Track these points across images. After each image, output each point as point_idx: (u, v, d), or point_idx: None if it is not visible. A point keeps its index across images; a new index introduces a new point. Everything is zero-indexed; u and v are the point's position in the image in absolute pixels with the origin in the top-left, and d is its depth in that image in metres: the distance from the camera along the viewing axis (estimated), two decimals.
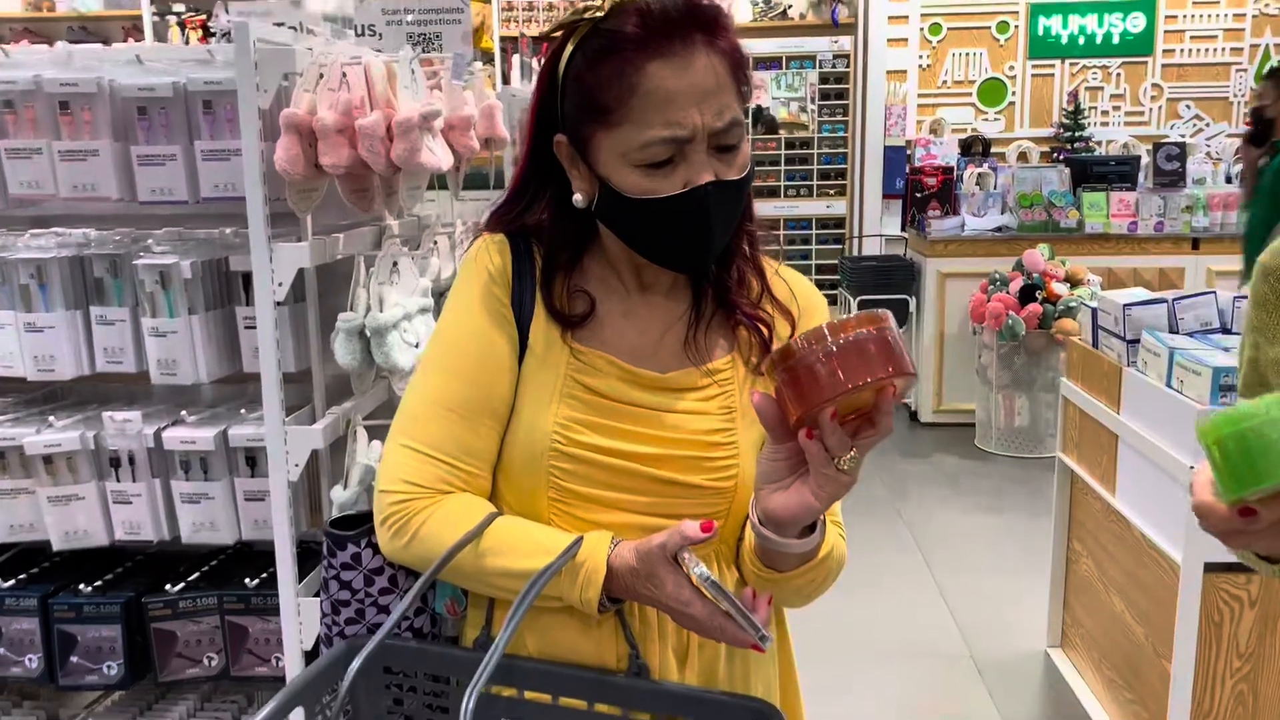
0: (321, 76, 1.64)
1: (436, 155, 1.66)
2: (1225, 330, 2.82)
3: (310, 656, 1.81)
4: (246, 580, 1.86)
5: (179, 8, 6.56)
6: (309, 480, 1.90)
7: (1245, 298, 2.82)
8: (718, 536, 1.08)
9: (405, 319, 1.71)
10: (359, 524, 1.24)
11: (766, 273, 1.24)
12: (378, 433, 1.88)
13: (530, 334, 1.17)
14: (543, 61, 1.16)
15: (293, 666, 1.80)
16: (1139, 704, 2.79)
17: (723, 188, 1.09)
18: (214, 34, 6.35)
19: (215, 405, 1.95)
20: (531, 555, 1.08)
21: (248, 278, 1.77)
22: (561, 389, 1.15)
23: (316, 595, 1.83)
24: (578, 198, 1.15)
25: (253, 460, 1.82)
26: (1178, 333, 2.81)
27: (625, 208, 1.11)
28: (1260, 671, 2.52)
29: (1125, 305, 2.83)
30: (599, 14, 1.08)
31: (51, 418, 1.82)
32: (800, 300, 1.25)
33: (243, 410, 1.86)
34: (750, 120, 6.72)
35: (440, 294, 1.95)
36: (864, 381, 0.92)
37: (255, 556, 1.96)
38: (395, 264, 1.75)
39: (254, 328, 1.75)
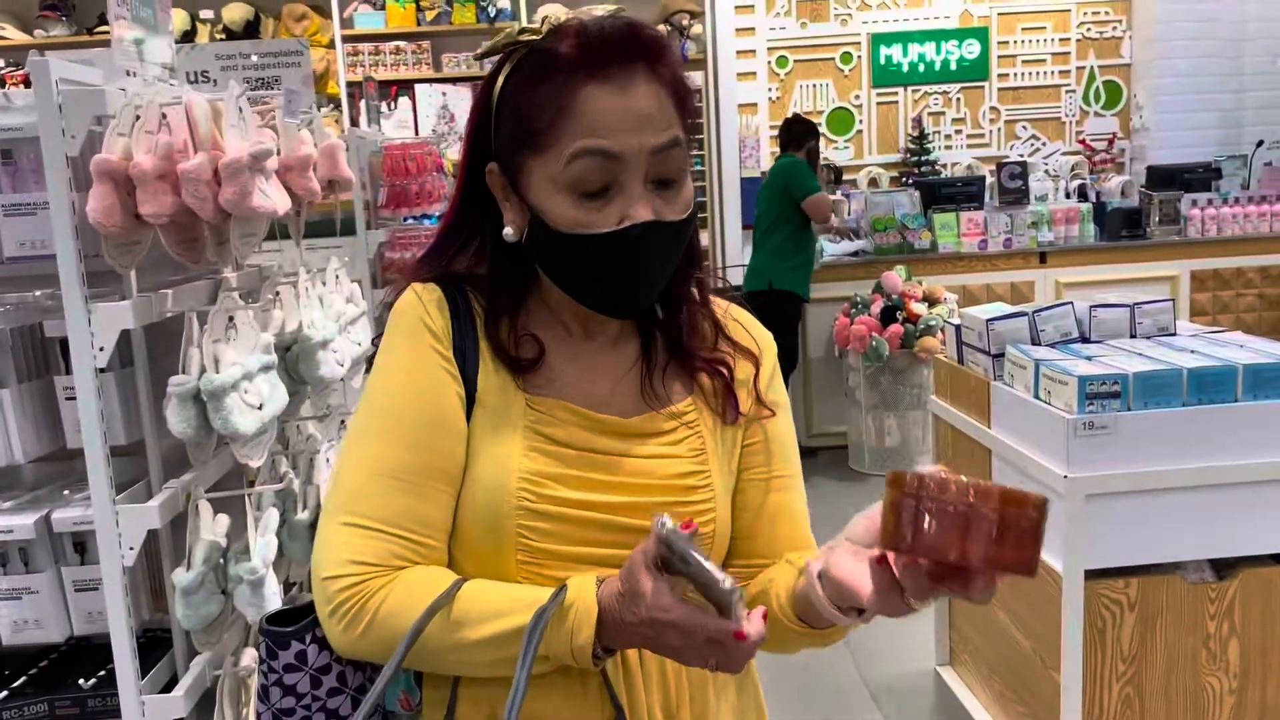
0: (138, 119, 1.50)
1: (271, 198, 1.53)
2: (1084, 340, 2.87)
3: None
4: (81, 681, 1.67)
5: None
6: (148, 562, 1.73)
7: (1102, 306, 2.90)
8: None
9: (245, 378, 1.56)
10: (294, 619, 1.07)
11: (718, 315, 1.17)
12: (223, 505, 1.72)
13: (479, 387, 1.06)
14: (477, 89, 1.09)
15: None
16: (1030, 716, 2.80)
17: (660, 229, 1.02)
18: None
19: (36, 487, 1.76)
20: (517, 613, 0.96)
21: (66, 343, 1.60)
22: (522, 443, 1.04)
23: (163, 691, 1.66)
24: (508, 231, 1.06)
25: (82, 546, 1.64)
26: (1040, 344, 2.85)
27: (555, 243, 1.02)
28: (1143, 673, 2.55)
29: (988, 320, 2.86)
30: (535, 36, 1.01)
31: None
32: (759, 341, 1.20)
33: (67, 491, 1.67)
34: None
35: (286, 348, 1.81)
36: (986, 558, 0.83)
37: (93, 650, 1.77)
38: (231, 319, 1.60)
39: (75, 399, 1.58)
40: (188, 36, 6.15)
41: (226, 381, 1.50)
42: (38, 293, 1.63)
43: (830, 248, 6.01)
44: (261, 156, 1.49)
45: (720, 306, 1.19)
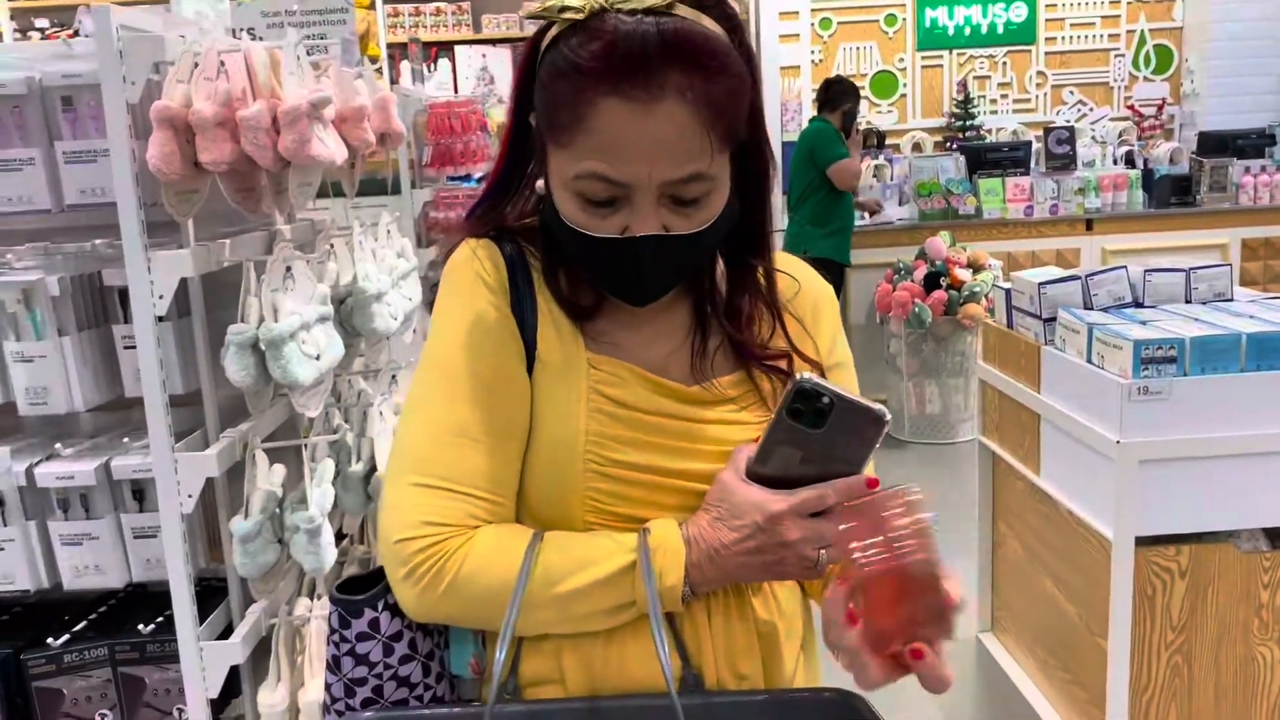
0: (196, 65, 1.49)
1: (329, 147, 1.52)
2: (1138, 304, 2.82)
3: (216, 706, 1.65)
4: (140, 626, 1.69)
5: (42, 23, 6.22)
6: (205, 511, 1.74)
7: (1157, 270, 2.84)
8: None
9: (303, 329, 1.56)
10: (361, 587, 1.06)
11: (780, 308, 1.11)
12: (279, 455, 1.73)
13: (538, 344, 1.04)
14: (518, 51, 1.06)
15: (198, 719, 1.64)
16: (1075, 684, 2.78)
17: (664, 243, 0.96)
18: None
19: (95, 435, 1.78)
20: (604, 561, 0.96)
21: (125, 292, 1.60)
22: (586, 402, 1.02)
23: (220, 638, 1.68)
24: (540, 184, 1.04)
25: (140, 493, 1.65)
26: (1092, 309, 2.80)
27: (561, 229, 1.00)
28: (1193, 642, 2.52)
29: (1040, 284, 2.82)
30: (578, 16, 0.93)
31: None
32: (818, 299, 1.16)
33: (126, 439, 1.69)
34: None
35: (340, 301, 1.81)
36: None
37: (149, 599, 1.79)
38: (289, 269, 1.60)
39: (134, 347, 1.59)
40: None
41: (285, 331, 1.50)
42: (97, 241, 1.63)
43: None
44: (320, 104, 1.48)
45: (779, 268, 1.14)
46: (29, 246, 1.69)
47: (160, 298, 1.50)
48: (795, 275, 1.16)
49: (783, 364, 1.08)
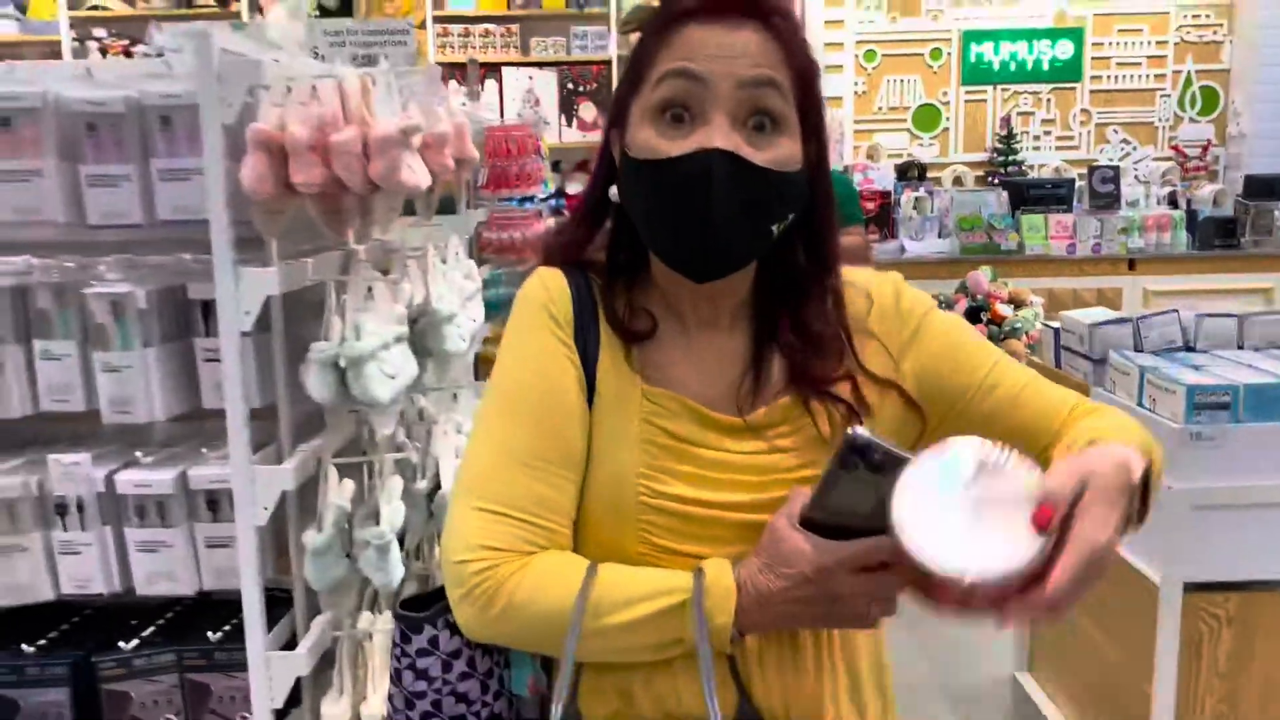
0: (289, 90, 1.53)
1: (416, 173, 1.56)
2: (1189, 348, 2.82)
3: (280, 716, 1.68)
4: (208, 634, 1.72)
5: (100, 33, 6.34)
6: (272, 523, 1.77)
7: (1210, 315, 2.84)
8: None
9: (383, 348, 1.59)
10: (425, 604, 1.10)
11: (850, 329, 1.10)
12: (347, 471, 1.76)
13: (598, 376, 1.06)
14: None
15: None
16: None
17: (735, 162, 0.98)
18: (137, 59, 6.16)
19: (168, 444, 1.82)
20: (657, 598, 0.98)
21: (207, 306, 1.65)
22: (639, 434, 1.05)
23: (285, 648, 1.70)
24: (613, 189, 1.07)
25: (214, 504, 1.69)
26: (1142, 351, 2.80)
27: (631, 174, 1.03)
28: (1239, 691, 2.50)
29: (1091, 325, 2.82)
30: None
31: None
32: (878, 307, 1.13)
33: (203, 450, 1.72)
34: None
35: (414, 321, 1.84)
36: None
37: (214, 607, 1.82)
38: (369, 289, 1.64)
39: (214, 360, 1.63)
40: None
41: (366, 350, 1.53)
42: (185, 256, 1.67)
43: (910, 245, 5.95)
44: (411, 132, 1.52)
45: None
46: (115, 258, 1.73)
47: (247, 313, 1.54)
48: (867, 289, 1.14)
49: (845, 390, 1.08)
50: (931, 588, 0.90)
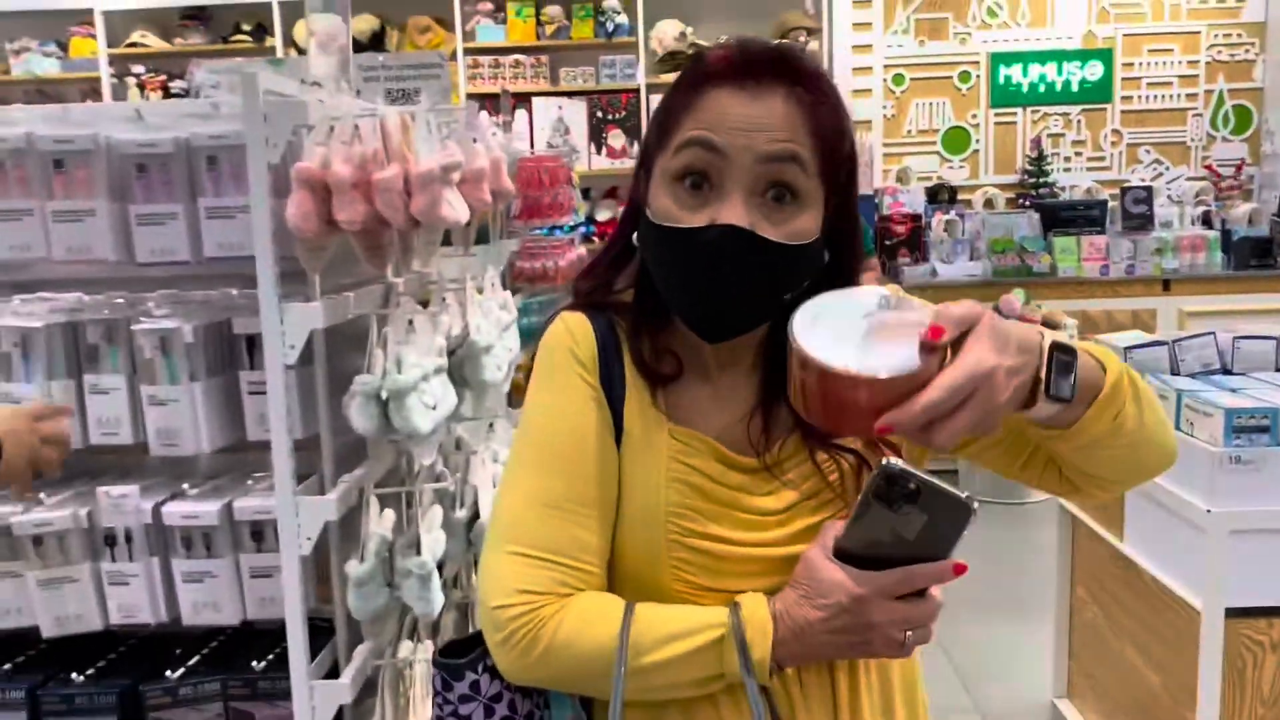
0: (332, 129, 1.57)
1: (456, 209, 1.59)
2: (1226, 371, 2.80)
3: None
4: (252, 663, 1.75)
5: (138, 69, 6.47)
6: (315, 552, 1.80)
7: (1247, 338, 2.82)
8: None
9: (424, 380, 1.62)
10: (464, 650, 1.10)
11: None
12: (387, 500, 1.78)
13: (625, 417, 1.08)
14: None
15: None
16: None
17: (746, 239, 0.98)
18: (175, 96, 6.28)
19: (212, 476, 1.85)
20: (695, 635, 0.99)
21: (251, 340, 1.68)
22: (667, 473, 1.06)
23: (328, 677, 1.73)
24: (636, 235, 1.09)
25: (258, 534, 1.72)
26: (1179, 374, 2.79)
27: (649, 235, 1.05)
28: None
29: (1127, 348, 2.81)
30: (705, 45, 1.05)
31: (41, 495, 1.70)
32: None
33: (249, 481, 1.75)
34: None
35: (451, 352, 1.87)
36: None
37: (256, 636, 1.85)
38: (410, 322, 1.67)
39: (258, 393, 1.67)
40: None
41: (409, 382, 1.56)
42: (231, 291, 1.71)
43: (941, 269, 5.94)
44: (452, 168, 1.55)
45: None
46: (162, 294, 1.77)
47: (292, 347, 1.57)
48: None
49: (849, 457, 1.08)
50: (824, 394, 0.88)
